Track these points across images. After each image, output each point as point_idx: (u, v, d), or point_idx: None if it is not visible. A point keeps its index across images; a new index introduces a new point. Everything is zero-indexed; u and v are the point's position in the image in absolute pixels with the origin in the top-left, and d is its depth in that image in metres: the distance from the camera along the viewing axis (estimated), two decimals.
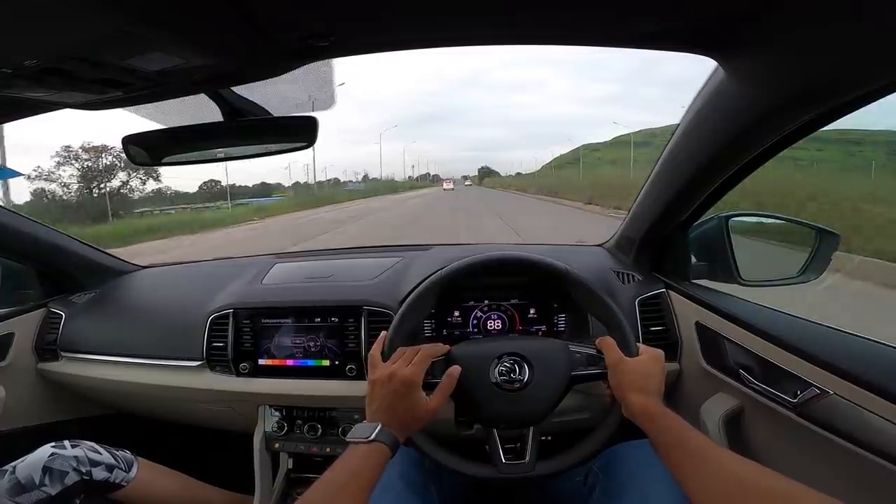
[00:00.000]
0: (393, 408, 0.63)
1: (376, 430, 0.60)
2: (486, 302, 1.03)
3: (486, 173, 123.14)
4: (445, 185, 51.86)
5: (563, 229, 9.23)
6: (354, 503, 0.54)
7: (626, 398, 0.65)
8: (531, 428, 0.71)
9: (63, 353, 1.17)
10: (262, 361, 1.02)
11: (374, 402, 0.65)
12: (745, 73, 0.59)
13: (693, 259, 1.01)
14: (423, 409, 0.65)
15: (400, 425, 0.63)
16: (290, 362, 1.02)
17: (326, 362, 1.00)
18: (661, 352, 0.71)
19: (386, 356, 0.69)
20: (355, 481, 0.55)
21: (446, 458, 0.70)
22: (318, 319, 1.02)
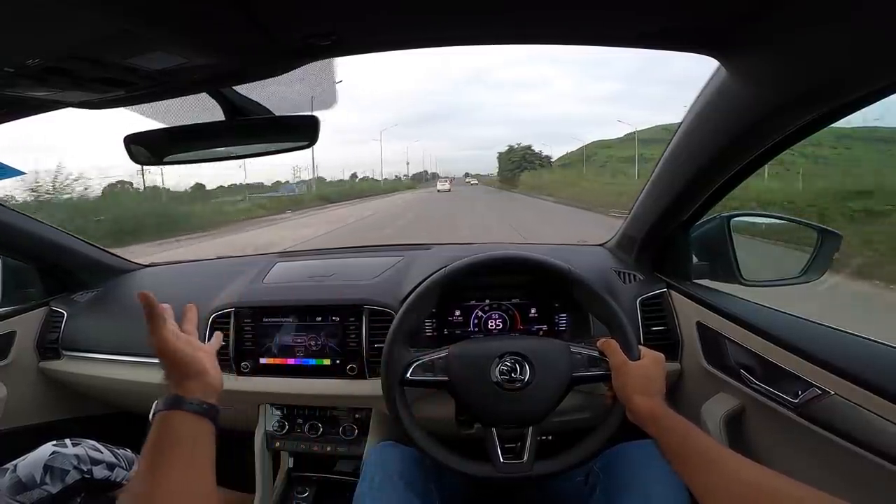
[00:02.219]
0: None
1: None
2: (487, 301, 1.03)
3: (521, 161, 49.16)
4: (440, 186, 37.92)
5: None
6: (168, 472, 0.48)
7: (631, 401, 0.65)
8: (530, 428, 0.71)
9: (64, 352, 1.17)
10: (263, 360, 1.02)
11: None
12: (746, 72, 0.58)
13: (694, 259, 1.01)
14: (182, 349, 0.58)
15: (175, 382, 0.57)
16: (291, 361, 1.02)
17: (327, 361, 1.00)
18: (661, 354, 0.71)
19: None
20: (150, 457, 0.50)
21: (446, 456, 0.70)
22: (320, 318, 1.02)
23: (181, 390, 0.56)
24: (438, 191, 34.96)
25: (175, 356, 0.57)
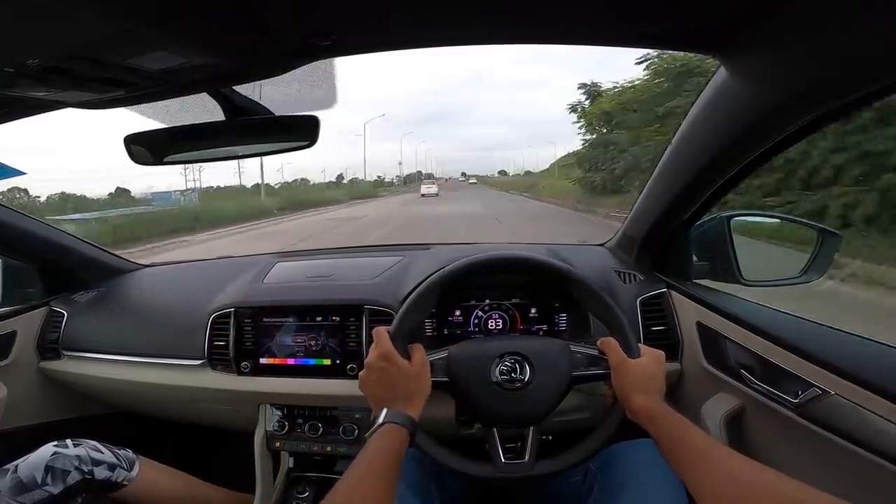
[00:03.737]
0: (386, 386, 0.66)
1: (382, 414, 0.63)
2: (487, 301, 1.03)
3: None
4: (424, 189, 30.34)
5: None
6: (378, 489, 0.54)
7: (630, 399, 0.65)
8: (531, 427, 0.71)
9: (65, 352, 1.17)
10: (263, 360, 1.02)
11: (371, 394, 0.68)
12: (747, 72, 0.58)
13: (694, 259, 1.01)
14: (410, 367, 0.68)
15: (403, 398, 0.65)
16: (291, 361, 1.02)
17: (327, 361, 1.00)
18: (661, 352, 0.71)
19: None
20: (371, 469, 0.56)
21: (446, 457, 0.70)
22: (320, 318, 1.02)
23: (402, 404, 0.64)
24: (423, 195, 27.82)
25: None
